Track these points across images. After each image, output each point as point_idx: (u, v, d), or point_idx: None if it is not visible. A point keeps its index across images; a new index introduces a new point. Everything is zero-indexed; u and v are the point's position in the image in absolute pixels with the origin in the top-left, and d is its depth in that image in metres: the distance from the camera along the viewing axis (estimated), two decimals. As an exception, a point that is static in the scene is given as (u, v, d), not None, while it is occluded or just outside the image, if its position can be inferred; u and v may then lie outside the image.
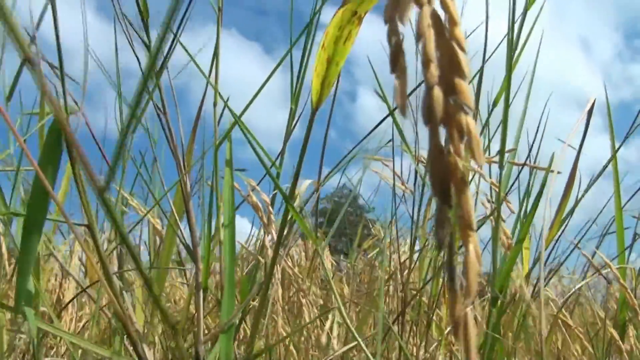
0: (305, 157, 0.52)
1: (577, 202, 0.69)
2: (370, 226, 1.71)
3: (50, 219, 0.34)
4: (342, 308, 0.49)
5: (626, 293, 0.74)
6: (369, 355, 0.55)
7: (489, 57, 0.76)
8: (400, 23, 0.23)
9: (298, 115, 0.70)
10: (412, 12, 0.23)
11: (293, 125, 0.70)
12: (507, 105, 0.68)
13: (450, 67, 0.21)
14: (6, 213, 0.42)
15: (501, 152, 0.59)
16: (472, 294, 0.17)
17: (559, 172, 0.58)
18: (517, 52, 0.73)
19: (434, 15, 0.22)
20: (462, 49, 0.21)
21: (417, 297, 0.90)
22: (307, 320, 0.75)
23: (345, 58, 0.38)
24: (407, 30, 0.23)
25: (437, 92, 0.20)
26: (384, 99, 0.76)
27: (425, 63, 0.21)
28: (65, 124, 0.31)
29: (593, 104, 0.55)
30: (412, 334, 0.93)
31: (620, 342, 0.77)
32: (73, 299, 0.80)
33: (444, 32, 0.22)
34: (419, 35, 0.21)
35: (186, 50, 0.52)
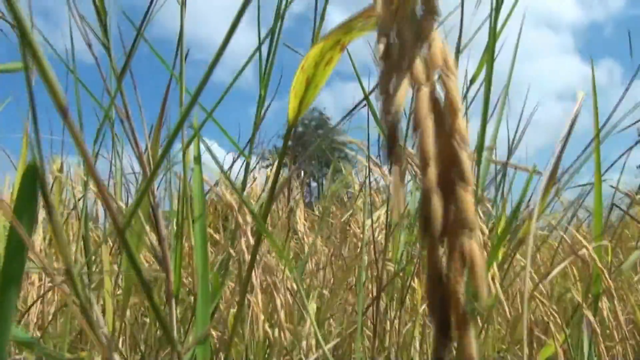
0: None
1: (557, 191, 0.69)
2: (343, 151, 1.70)
3: (29, 268, 0.32)
4: (317, 333, 0.48)
5: (603, 276, 0.76)
6: None
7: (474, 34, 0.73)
8: (394, 101, 0.21)
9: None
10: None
11: (263, 112, 0.68)
12: (488, 89, 0.64)
13: (450, 169, 0.19)
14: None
15: (479, 148, 0.56)
16: None
17: (539, 173, 0.57)
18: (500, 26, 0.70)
19: (433, 99, 0.20)
20: (465, 148, 0.19)
21: (393, 278, 0.91)
22: (281, 310, 0.75)
23: (325, 80, 0.36)
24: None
25: (436, 202, 0.18)
26: (359, 81, 0.73)
27: (423, 163, 0.19)
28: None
29: (580, 103, 0.53)
30: (387, 314, 0.95)
31: (595, 323, 0.79)
32: (37, 300, 0.78)
33: (444, 122, 0.20)
34: (416, 125, 0.20)
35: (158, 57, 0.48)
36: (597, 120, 0.66)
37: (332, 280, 1.24)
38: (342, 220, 1.55)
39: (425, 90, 0.20)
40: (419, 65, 0.21)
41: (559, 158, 0.54)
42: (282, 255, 0.52)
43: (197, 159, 0.57)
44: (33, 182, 0.31)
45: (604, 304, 0.96)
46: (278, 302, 0.76)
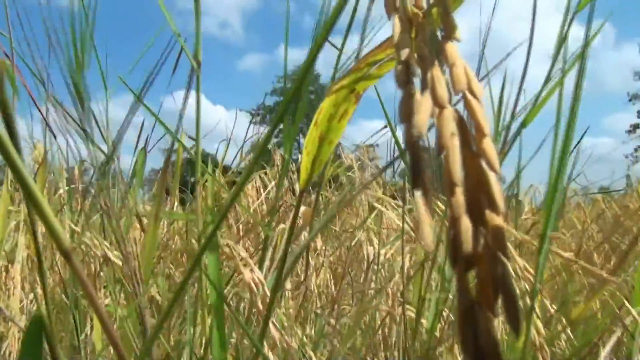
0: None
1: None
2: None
3: None
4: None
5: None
6: None
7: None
8: (416, 125, 0.20)
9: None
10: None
11: (280, 202, 0.67)
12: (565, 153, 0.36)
13: (479, 193, 0.18)
14: None
15: (542, 238, 0.39)
16: None
17: (579, 264, 0.55)
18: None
19: (458, 120, 0.20)
20: (494, 169, 0.18)
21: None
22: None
23: (340, 136, 0.35)
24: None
25: (465, 227, 0.17)
26: (392, 132, 0.71)
27: (450, 187, 0.18)
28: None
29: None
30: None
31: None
32: None
33: (471, 143, 0.19)
34: (440, 147, 0.19)
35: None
36: None
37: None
38: (350, 240, 1.44)
39: (449, 110, 0.19)
40: (441, 87, 0.20)
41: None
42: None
43: (214, 244, 0.55)
44: (39, 334, 0.30)
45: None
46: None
